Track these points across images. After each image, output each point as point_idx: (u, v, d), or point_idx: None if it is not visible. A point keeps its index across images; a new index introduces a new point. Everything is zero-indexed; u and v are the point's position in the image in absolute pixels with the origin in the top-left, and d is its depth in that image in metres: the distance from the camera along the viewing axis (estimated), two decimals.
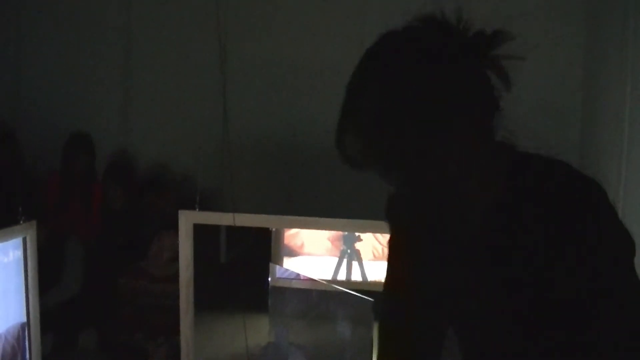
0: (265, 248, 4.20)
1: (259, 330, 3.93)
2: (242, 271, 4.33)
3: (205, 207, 3.65)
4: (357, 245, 4.43)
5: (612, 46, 3.39)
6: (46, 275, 3.72)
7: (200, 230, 3.60)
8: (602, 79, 3.73)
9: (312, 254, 4.48)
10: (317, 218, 3.54)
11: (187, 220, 3.50)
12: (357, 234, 4.33)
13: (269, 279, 3.85)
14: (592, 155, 3.96)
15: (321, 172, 4.86)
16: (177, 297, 3.58)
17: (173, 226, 3.59)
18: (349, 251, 4.45)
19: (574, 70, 4.51)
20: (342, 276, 4.46)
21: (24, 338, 3.29)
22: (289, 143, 4.91)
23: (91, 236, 4.78)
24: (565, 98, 4.58)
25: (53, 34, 5.24)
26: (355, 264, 4.45)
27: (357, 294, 3.55)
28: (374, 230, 3.99)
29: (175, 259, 3.71)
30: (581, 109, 4.48)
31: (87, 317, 4.48)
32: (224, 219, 3.50)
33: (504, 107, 1.32)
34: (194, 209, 3.50)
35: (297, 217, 3.61)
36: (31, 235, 3.26)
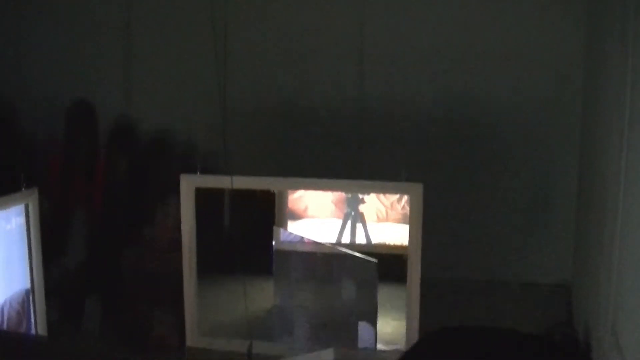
0: (269, 212, 4.19)
1: (264, 294, 3.94)
2: (246, 235, 4.32)
3: (208, 171, 3.64)
4: (361, 207, 4.41)
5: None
6: (51, 244, 3.73)
7: (203, 195, 3.60)
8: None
9: (316, 217, 4.47)
10: (318, 179, 3.54)
11: (188, 184, 3.50)
12: (360, 196, 4.31)
13: (273, 242, 3.84)
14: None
15: (323, 133, 4.86)
16: (181, 261, 3.58)
17: (177, 193, 3.59)
18: (352, 214, 4.44)
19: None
20: (346, 239, 4.45)
21: (29, 304, 3.30)
22: (291, 105, 4.90)
23: (95, 204, 4.78)
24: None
25: (52, 3, 5.21)
26: (359, 226, 4.44)
27: (361, 255, 3.55)
28: (376, 190, 3.99)
29: (179, 225, 3.71)
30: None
31: (92, 284, 4.49)
32: (225, 182, 3.49)
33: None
34: (195, 173, 3.50)
35: (298, 178, 3.60)
36: (33, 202, 3.26)
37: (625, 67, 2.92)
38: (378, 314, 3.56)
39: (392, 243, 4.30)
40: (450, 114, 4.78)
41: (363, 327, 3.58)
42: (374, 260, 3.47)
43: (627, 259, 2.74)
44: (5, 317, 3.11)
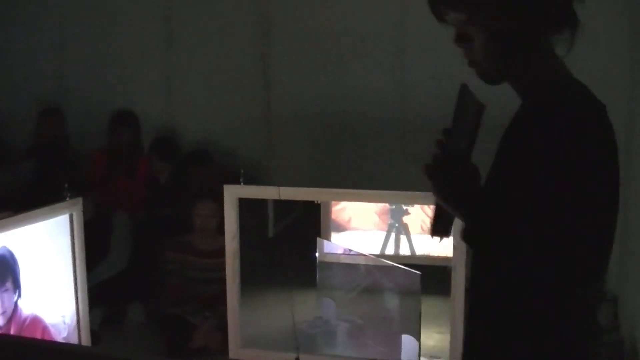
0: (313, 222, 4.16)
1: (306, 305, 3.91)
2: (290, 246, 4.30)
3: (250, 180, 3.62)
4: (405, 219, 4.37)
5: None
6: (94, 248, 3.73)
7: (247, 205, 3.58)
8: None
9: (360, 229, 4.44)
10: (362, 190, 3.48)
11: (231, 194, 3.48)
12: (405, 207, 4.27)
13: (317, 253, 3.82)
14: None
15: (367, 143, 4.77)
16: (224, 270, 3.56)
17: (216, 198, 3.58)
18: (396, 225, 4.40)
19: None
20: (390, 250, 4.42)
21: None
22: (334, 115, 4.84)
23: (137, 210, 4.79)
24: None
25: (95, 13, 5.25)
26: (403, 237, 4.40)
27: (404, 267, 3.50)
28: (420, 202, 3.93)
29: (220, 231, 3.69)
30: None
31: (135, 289, 4.49)
32: (268, 192, 3.47)
33: None
34: (238, 183, 3.48)
35: (342, 189, 3.55)
36: (77, 211, 3.26)
37: None
38: (422, 326, 3.51)
39: (436, 255, 4.25)
40: (499, 119, 4.65)
41: (406, 339, 3.53)
42: (417, 272, 3.42)
43: None
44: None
